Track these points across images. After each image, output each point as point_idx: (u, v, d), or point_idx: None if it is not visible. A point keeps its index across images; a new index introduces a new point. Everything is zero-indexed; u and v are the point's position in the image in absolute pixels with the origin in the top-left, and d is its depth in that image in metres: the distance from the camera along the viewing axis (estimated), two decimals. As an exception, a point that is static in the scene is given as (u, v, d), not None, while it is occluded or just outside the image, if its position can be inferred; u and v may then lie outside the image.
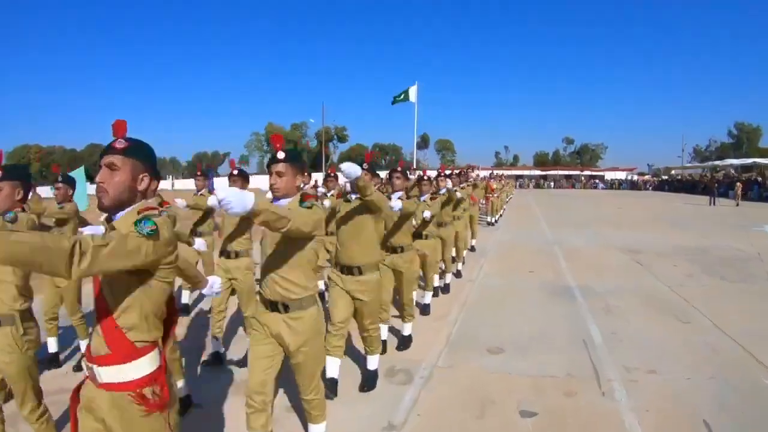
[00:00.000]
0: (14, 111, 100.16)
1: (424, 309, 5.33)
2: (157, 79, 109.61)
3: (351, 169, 2.69)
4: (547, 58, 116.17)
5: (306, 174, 3.07)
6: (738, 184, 25.60)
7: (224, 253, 3.95)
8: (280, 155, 2.29)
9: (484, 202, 14.26)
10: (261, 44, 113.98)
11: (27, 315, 2.35)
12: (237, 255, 3.94)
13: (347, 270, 3.28)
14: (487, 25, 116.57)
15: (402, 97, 20.78)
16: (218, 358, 3.95)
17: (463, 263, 7.58)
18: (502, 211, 16.41)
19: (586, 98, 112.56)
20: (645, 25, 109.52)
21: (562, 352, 4.19)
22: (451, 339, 4.55)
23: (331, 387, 3.24)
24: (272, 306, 2.33)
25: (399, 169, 4.28)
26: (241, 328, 4.71)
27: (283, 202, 2.29)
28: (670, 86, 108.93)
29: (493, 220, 14.11)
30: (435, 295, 5.73)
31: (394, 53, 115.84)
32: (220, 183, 3.01)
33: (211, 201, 4.40)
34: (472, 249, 9.21)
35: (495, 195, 14.07)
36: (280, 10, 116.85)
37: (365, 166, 3.19)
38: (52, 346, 3.98)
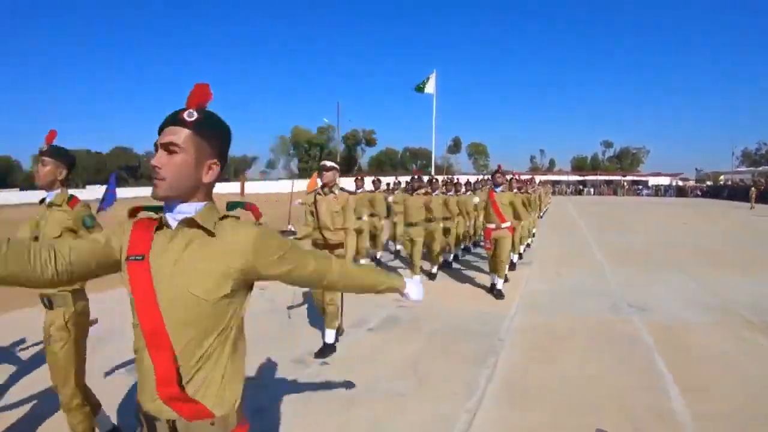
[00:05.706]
0: (40, 114, 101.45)
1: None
2: (182, 81, 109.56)
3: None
4: (583, 56, 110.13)
5: None
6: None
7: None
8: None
9: (484, 240, 6.72)
10: (283, 45, 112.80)
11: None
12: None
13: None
14: (520, 21, 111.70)
15: (425, 84, 19.28)
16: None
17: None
18: (529, 239, 10.61)
19: (625, 99, 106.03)
20: (688, 22, 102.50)
21: None
22: None
23: None
24: None
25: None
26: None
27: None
28: (715, 87, 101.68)
29: (500, 285, 6.37)
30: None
31: (422, 54, 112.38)
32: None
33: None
34: None
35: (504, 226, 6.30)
36: (303, 11, 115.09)
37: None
38: None
